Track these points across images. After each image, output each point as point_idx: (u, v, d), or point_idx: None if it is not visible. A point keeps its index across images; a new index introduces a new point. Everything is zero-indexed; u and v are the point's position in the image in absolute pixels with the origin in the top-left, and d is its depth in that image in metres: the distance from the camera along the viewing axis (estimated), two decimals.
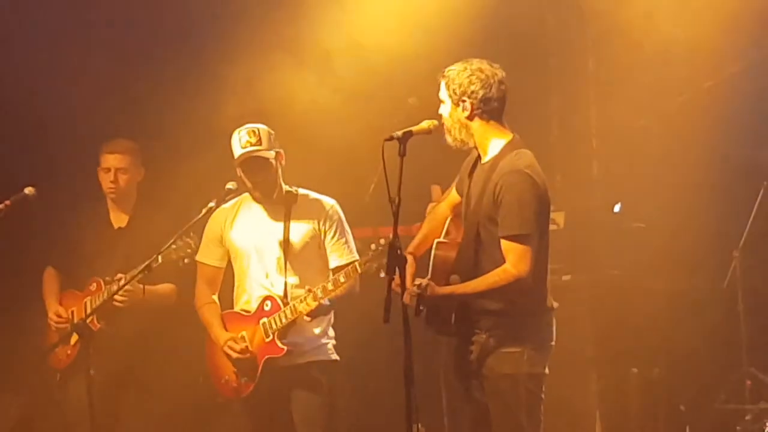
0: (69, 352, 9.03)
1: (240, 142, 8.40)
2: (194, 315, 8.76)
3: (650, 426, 10.32)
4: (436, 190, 9.65)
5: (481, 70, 6.60)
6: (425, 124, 6.70)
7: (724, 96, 10.58)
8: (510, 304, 6.48)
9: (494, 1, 10.64)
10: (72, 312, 9.15)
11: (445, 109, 6.82)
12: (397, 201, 6.12)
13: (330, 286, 7.95)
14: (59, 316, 9.13)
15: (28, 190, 8.74)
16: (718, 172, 10.55)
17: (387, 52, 10.43)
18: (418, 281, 6.40)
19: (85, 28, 10.87)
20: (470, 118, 6.63)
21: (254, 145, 8.37)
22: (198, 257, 8.71)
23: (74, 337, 8.74)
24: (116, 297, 8.61)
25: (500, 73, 6.64)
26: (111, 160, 9.33)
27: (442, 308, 6.64)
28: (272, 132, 8.55)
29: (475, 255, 6.59)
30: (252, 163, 8.36)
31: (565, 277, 9.91)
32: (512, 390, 6.51)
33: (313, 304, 7.87)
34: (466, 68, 6.73)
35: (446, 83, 6.81)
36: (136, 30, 10.97)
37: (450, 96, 6.77)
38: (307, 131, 10.05)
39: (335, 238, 8.53)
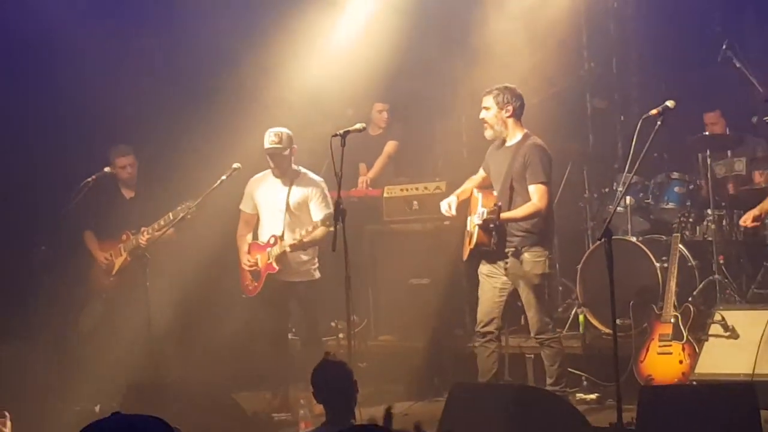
0: (112, 278, 11.54)
1: (268, 139, 10.56)
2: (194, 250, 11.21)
3: None
4: (362, 166, 11.95)
5: (515, 90, 9.36)
6: (358, 126, 9.32)
7: (549, 106, 11.91)
8: (539, 223, 9.14)
9: (396, 54, 12.13)
10: (111, 254, 11.51)
11: (489, 113, 9.37)
12: (340, 174, 8.93)
13: (305, 233, 10.20)
14: (106, 257, 11.46)
15: (108, 169, 11.32)
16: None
17: (333, 84, 12.10)
18: (485, 210, 9.00)
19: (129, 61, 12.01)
20: (513, 118, 9.27)
21: (276, 144, 10.51)
22: (240, 207, 11.00)
23: (116, 267, 11.42)
24: (146, 241, 11.00)
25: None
26: (123, 160, 11.52)
27: (501, 226, 9.05)
28: (290, 133, 10.69)
29: (510, 199, 9.16)
30: (274, 154, 10.57)
31: None
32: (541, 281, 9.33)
33: (291, 243, 10.32)
34: (506, 88, 9.33)
35: (493, 96, 9.34)
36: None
37: (497, 104, 9.32)
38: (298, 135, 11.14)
39: (318, 202, 10.67)
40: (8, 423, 7.64)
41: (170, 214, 10.87)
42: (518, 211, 9.11)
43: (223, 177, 10.69)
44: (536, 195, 9.06)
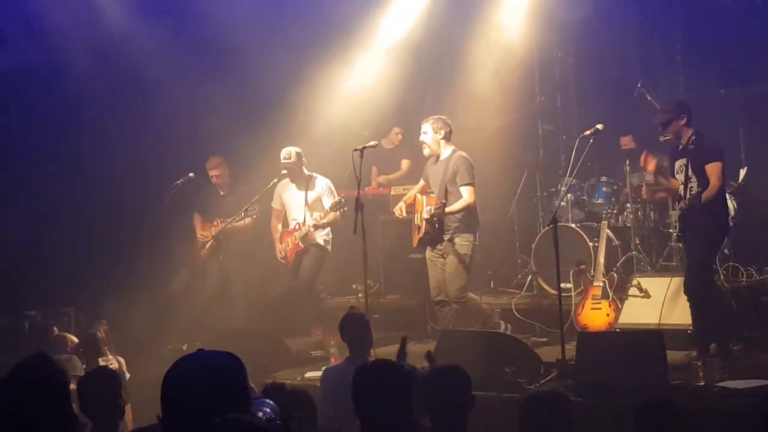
0: (205, 251, 11.21)
1: (282, 156, 10.46)
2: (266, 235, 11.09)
3: None
4: (374, 169, 11.80)
5: (446, 120, 9.40)
6: (372, 143, 9.47)
7: (511, 128, 12.06)
8: (466, 216, 9.19)
9: (401, 91, 12.17)
10: (205, 234, 11.22)
11: (427, 137, 9.40)
12: (359, 178, 9.14)
13: (320, 218, 10.33)
14: (202, 234, 11.21)
15: (192, 174, 11.09)
16: (506, 165, 11.83)
17: (354, 112, 11.92)
18: (431, 207, 9.16)
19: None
20: (444, 140, 9.30)
21: (287, 159, 10.40)
22: (272, 204, 10.84)
23: (208, 244, 11.17)
24: (219, 229, 10.93)
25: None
26: (214, 170, 11.20)
27: (435, 221, 9.14)
28: (299, 150, 10.58)
29: (446, 199, 9.15)
30: (287, 166, 10.47)
31: None
32: (466, 259, 9.22)
33: (313, 225, 10.36)
34: (438, 119, 9.38)
35: (430, 123, 9.37)
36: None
37: (433, 129, 9.34)
38: (324, 148, 11.43)
39: (327, 196, 10.53)
40: (122, 361, 7.83)
41: (241, 212, 10.77)
42: (455, 206, 9.16)
43: (275, 180, 10.62)
44: (466, 193, 9.18)
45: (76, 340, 8.10)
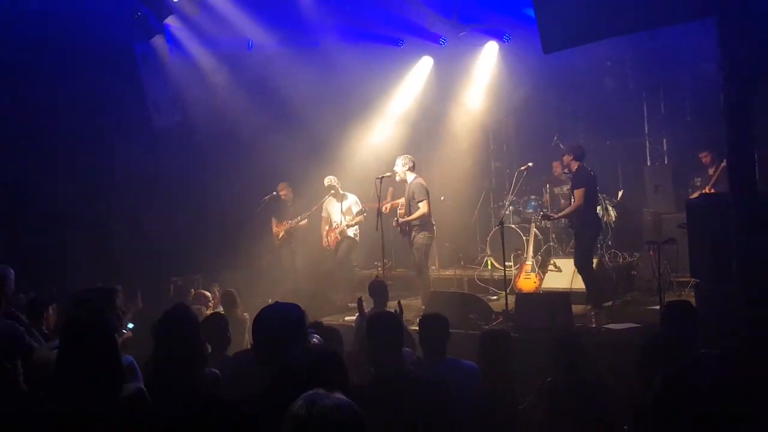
0: (278, 243, 11.04)
1: (326, 182, 10.38)
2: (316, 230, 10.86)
3: None
4: (390, 190, 11.12)
5: (411, 157, 9.28)
6: (388, 174, 9.44)
7: (475, 166, 11.99)
8: (422, 221, 9.01)
9: (410, 136, 11.90)
10: (279, 230, 10.99)
11: (398, 167, 9.27)
12: (380, 196, 9.41)
13: (350, 220, 10.25)
14: (277, 230, 10.94)
15: (274, 193, 10.97)
16: (472, 188, 11.68)
17: (376, 157, 11.62)
18: (397, 217, 9.26)
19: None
20: (409, 170, 9.18)
21: (328, 184, 10.36)
22: (322, 213, 10.64)
23: (281, 236, 10.99)
24: (288, 227, 10.79)
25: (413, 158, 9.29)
26: (282, 191, 10.99)
27: (404, 224, 9.09)
28: (334, 178, 10.40)
29: (410, 209, 9.07)
30: (328, 188, 10.36)
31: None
32: (423, 247, 9.09)
33: (346, 225, 10.25)
34: (406, 156, 9.28)
35: (401, 159, 9.27)
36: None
37: (402, 164, 9.23)
38: (355, 176, 11.19)
39: (354, 206, 10.33)
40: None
41: (299, 216, 10.73)
42: (413, 216, 9.07)
43: (327, 196, 10.58)
44: (422, 206, 9.00)
45: (209, 295, 8.05)
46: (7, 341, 4.30)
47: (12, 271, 4.68)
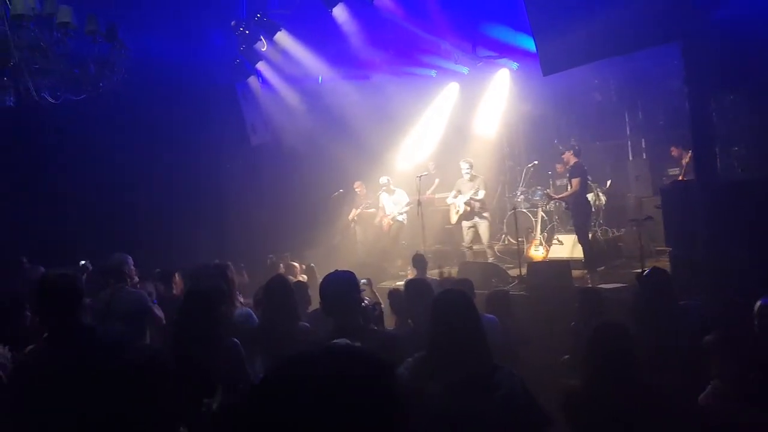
0: (351, 226, 10.90)
1: (381, 180, 10.34)
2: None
3: None
4: (436, 182, 11.04)
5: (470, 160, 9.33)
6: (426, 172, 9.56)
7: (493, 164, 11.31)
8: (480, 204, 9.16)
9: (444, 142, 11.68)
10: (353, 214, 10.77)
11: (465, 168, 9.22)
12: (419, 191, 9.26)
13: (400, 209, 10.12)
14: (350, 214, 10.75)
15: (341, 190, 10.90)
16: (492, 182, 10.74)
17: (417, 157, 11.59)
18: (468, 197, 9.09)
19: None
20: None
21: (384, 183, 10.29)
22: (379, 204, 10.51)
23: (353, 221, 10.82)
24: (358, 212, 10.70)
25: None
26: (358, 187, 10.86)
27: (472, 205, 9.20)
28: (388, 178, 10.32)
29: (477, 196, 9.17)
30: (383, 185, 10.31)
31: None
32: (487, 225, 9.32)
33: (397, 213, 10.19)
34: (466, 160, 9.34)
35: (468, 162, 9.28)
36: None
37: (469, 165, 9.26)
38: (403, 174, 10.97)
39: (403, 198, 10.12)
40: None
41: (362, 206, 10.67)
42: (478, 198, 9.08)
43: (381, 191, 10.50)
44: (482, 193, 9.06)
45: (296, 266, 8.04)
46: (137, 304, 4.38)
47: (129, 257, 4.62)
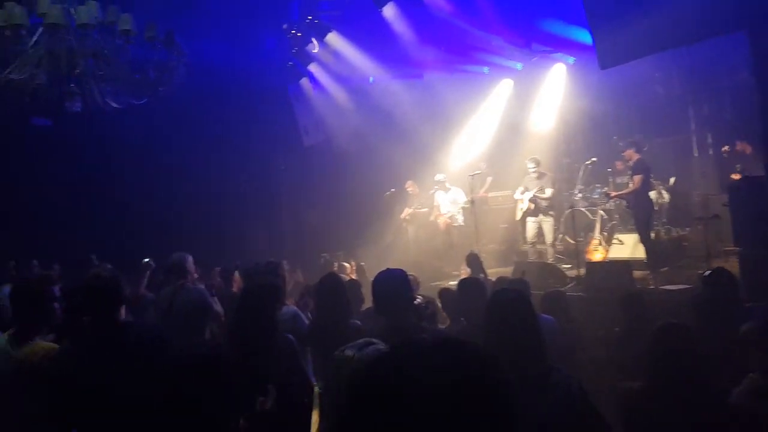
0: (404, 225, 10.81)
1: (435, 178, 10.19)
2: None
3: None
4: (489, 180, 10.90)
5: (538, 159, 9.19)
6: (478, 171, 9.46)
7: (551, 162, 10.65)
8: (547, 202, 9.10)
9: (495, 139, 11.51)
10: (405, 213, 10.68)
11: (532, 166, 9.06)
12: (472, 189, 9.13)
13: (458, 208, 10.06)
14: (404, 215, 10.70)
15: (393, 189, 10.86)
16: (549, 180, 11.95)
17: (469, 155, 11.43)
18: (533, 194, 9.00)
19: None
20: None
21: (439, 180, 10.16)
22: (433, 204, 10.34)
23: (407, 220, 10.74)
24: (410, 212, 10.58)
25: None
26: (410, 187, 10.65)
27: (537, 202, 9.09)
28: (443, 175, 10.22)
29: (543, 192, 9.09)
30: (437, 182, 10.20)
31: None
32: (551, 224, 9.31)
33: (456, 212, 10.10)
34: (534, 158, 9.20)
35: (532, 160, 9.10)
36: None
37: (535, 163, 9.09)
38: (457, 172, 10.75)
39: (460, 197, 10.03)
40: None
41: (415, 205, 10.63)
42: (544, 196, 8.96)
43: (436, 189, 10.41)
44: (549, 191, 8.95)
45: (347, 265, 8.02)
46: (198, 301, 4.50)
47: (190, 255, 4.75)
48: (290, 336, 3.33)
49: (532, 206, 9.17)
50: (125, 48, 5.67)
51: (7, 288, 6.79)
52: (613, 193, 8.66)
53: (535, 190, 9.21)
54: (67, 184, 9.79)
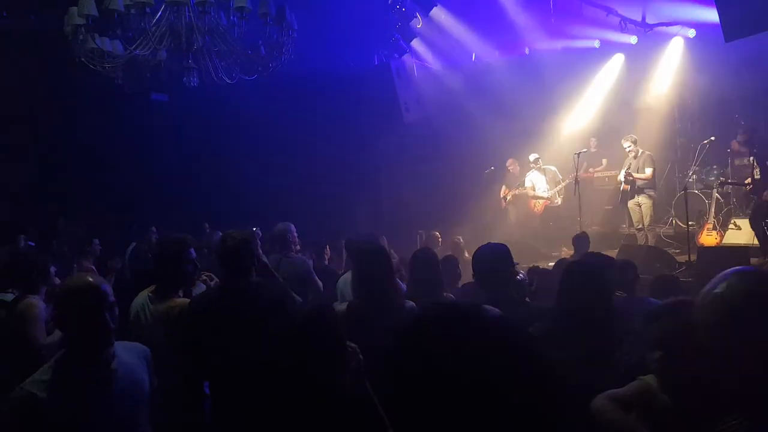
0: (504, 205, 10.53)
1: (530, 158, 10.10)
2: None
3: None
4: (585, 163, 10.49)
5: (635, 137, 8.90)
6: (584, 150, 9.24)
7: (662, 140, 10.41)
8: (645, 183, 8.78)
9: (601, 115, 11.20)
10: (506, 194, 10.53)
11: (628, 144, 8.84)
12: (576, 168, 8.93)
13: (556, 189, 9.98)
14: (504, 195, 10.45)
15: (492, 168, 10.77)
16: (661, 161, 9.64)
17: (576, 134, 11.26)
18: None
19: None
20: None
21: (533, 160, 10.03)
22: (526, 184, 10.25)
23: (508, 199, 10.46)
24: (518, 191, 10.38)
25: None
26: (511, 165, 10.53)
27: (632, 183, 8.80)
28: (538, 156, 10.08)
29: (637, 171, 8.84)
30: (532, 161, 10.12)
31: None
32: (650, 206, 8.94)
33: (556, 193, 10.16)
34: (632, 136, 8.97)
35: (631, 140, 8.88)
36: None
37: (632, 142, 8.90)
38: (561, 151, 10.73)
39: (557, 176, 10.06)
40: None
41: (517, 185, 10.45)
42: (643, 176, 8.69)
43: (531, 169, 10.30)
44: (649, 171, 8.69)
45: (437, 234, 8.01)
46: (301, 270, 4.71)
47: (293, 225, 4.87)
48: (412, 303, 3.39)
49: (627, 188, 8.90)
50: (239, 24, 5.89)
51: (132, 245, 7.49)
52: (730, 182, 8.14)
53: (627, 169, 8.96)
54: (182, 156, 10.49)
